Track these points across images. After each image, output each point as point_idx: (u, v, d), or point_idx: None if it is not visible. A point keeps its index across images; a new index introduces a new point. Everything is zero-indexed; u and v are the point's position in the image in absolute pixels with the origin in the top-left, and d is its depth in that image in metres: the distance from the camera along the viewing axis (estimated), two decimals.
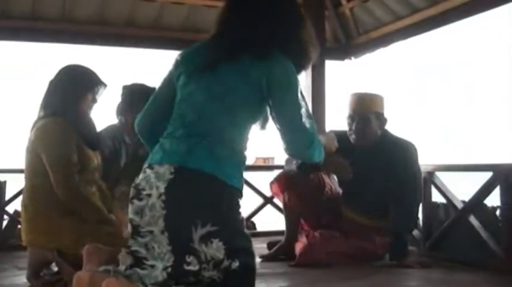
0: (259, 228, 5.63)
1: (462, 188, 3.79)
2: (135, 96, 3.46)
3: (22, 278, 3.11)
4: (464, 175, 4.00)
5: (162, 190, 1.89)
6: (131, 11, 5.26)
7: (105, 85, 3.18)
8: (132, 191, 1.99)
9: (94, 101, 3.14)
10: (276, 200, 5.36)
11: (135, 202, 1.95)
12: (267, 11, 2.09)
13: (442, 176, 4.03)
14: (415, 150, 3.78)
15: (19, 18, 4.98)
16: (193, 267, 1.89)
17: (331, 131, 4.02)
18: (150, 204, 1.91)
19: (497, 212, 3.74)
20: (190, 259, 1.88)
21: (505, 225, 3.51)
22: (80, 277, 1.99)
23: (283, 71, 2.00)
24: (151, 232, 1.92)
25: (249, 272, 1.95)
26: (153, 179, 1.93)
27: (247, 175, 5.30)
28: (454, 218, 3.81)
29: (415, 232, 4.13)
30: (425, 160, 3.79)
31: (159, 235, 1.90)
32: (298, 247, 3.77)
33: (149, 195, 1.92)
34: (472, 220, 3.67)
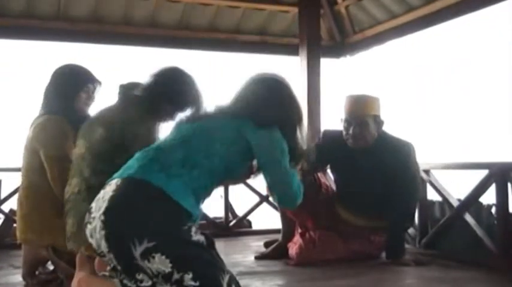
0: (255, 226, 5.64)
1: (464, 187, 3.78)
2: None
3: (18, 277, 3.11)
4: (465, 173, 3.99)
5: (102, 210, 1.90)
6: (127, 8, 5.25)
7: (99, 83, 3.17)
8: (86, 215, 2.01)
9: (90, 98, 3.13)
10: (272, 199, 5.37)
11: (88, 226, 1.97)
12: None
13: (440, 174, 4.06)
14: (413, 150, 3.73)
15: (13, 17, 4.97)
16: (147, 283, 1.89)
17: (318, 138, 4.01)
18: (94, 226, 1.92)
19: (493, 210, 3.74)
20: (140, 276, 1.89)
21: (500, 223, 3.52)
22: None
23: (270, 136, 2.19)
24: (104, 254, 1.93)
25: (209, 283, 1.88)
26: (100, 200, 1.94)
27: None
28: (450, 216, 3.82)
29: (411, 230, 4.15)
30: (421, 159, 3.79)
31: (108, 255, 1.91)
32: (293, 247, 3.76)
33: (94, 218, 1.93)
34: (468, 217, 3.68)
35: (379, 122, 3.75)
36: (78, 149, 2.75)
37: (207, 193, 2.14)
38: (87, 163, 2.68)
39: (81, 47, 5.53)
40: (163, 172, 1.96)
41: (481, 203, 3.78)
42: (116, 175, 2.02)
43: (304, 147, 2.33)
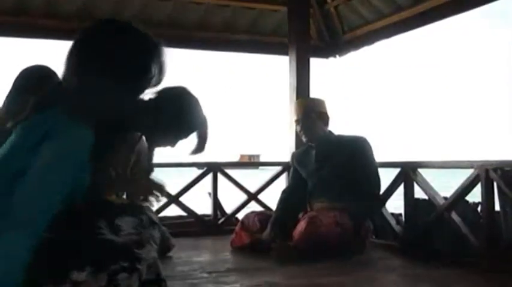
0: None
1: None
2: None
3: None
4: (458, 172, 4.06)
5: None
6: (117, 5, 5.25)
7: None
8: None
9: None
10: (260, 197, 5.40)
11: None
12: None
13: (431, 173, 4.13)
14: (368, 143, 4.14)
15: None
16: None
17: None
18: None
19: (479, 209, 3.78)
20: None
21: (485, 221, 3.55)
22: None
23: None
24: None
25: None
26: None
27: (232, 172, 5.38)
28: (436, 214, 3.84)
29: (398, 228, 4.19)
30: (407, 157, 3.86)
31: None
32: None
33: None
34: (454, 216, 3.70)
35: (323, 117, 4.30)
36: None
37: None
38: None
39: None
40: None
41: (467, 202, 3.82)
42: None
43: None
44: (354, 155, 4.08)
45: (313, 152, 4.28)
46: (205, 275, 3.39)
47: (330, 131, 4.33)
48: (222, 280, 3.25)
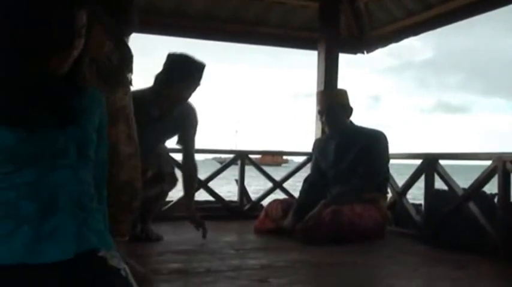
0: None
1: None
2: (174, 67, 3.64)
3: None
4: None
5: None
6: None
7: None
8: None
9: None
10: (285, 185, 5.59)
11: None
12: None
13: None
14: (385, 138, 4.35)
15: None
16: None
17: None
18: None
19: (496, 200, 3.90)
20: None
21: (502, 212, 3.68)
22: None
23: None
24: None
25: None
26: None
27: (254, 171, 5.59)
28: (455, 204, 3.97)
29: (418, 217, 4.34)
30: (427, 145, 4.03)
31: None
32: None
33: None
34: (471, 206, 3.84)
35: (346, 109, 4.46)
36: None
37: None
38: None
39: None
40: None
41: (484, 193, 3.94)
42: None
43: None
44: (368, 147, 4.27)
45: (334, 143, 4.45)
46: (232, 251, 3.61)
47: (351, 122, 4.49)
48: (249, 256, 3.46)
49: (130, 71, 2.44)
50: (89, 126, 1.43)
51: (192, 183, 3.99)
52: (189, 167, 3.95)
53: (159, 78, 3.69)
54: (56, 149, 1.32)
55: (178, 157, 4.28)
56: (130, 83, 2.45)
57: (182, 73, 3.62)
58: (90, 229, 1.36)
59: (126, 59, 2.38)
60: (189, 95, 3.75)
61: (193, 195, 4.07)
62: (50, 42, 1.30)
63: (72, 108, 1.37)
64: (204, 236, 3.87)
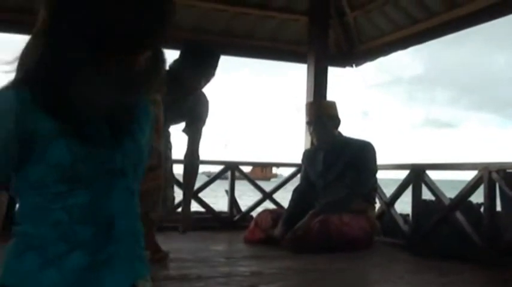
0: None
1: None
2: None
3: None
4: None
5: None
6: None
7: None
8: None
9: None
10: (274, 196, 5.65)
11: None
12: None
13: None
14: (373, 149, 4.42)
15: None
16: None
17: None
18: None
19: (481, 209, 3.97)
20: None
21: (487, 221, 3.75)
22: None
23: None
24: None
25: None
26: None
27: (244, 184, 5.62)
28: (442, 214, 4.04)
29: (405, 227, 4.40)
30: (415, 159, 4.10)
31: None
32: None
33: None
34: (458, 216, 3.90)
35: (335, 120, 4.53)
36: None
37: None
38: None
39: None
40: None
41: (470, 202, 4.02)
42: None
43: None
44: (356, 157, 4.33)
45: (322, 154, 4.51)
46: (222, 259, 3.65)
47: (339, 133, 4.55)
48: (239, 264, 3.51)
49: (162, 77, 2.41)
50: (142, 141, 1.26)
51: (192, 179, 3.80)
52: (190, 161, 3.74)
53: (175, 66, 3.59)
54: (113, 168, 1.18)
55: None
56: (160, 90, 2.41)
57: (197, 60, 3.57)
58: (138, 256, 1.25)
59: (158, 64, 2.37)
60: (204, 83, 3.67)
61: (191, 192, 3.88)
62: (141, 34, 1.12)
63: (132, 120, 1.23)
64: (183, 232, 3.69)
